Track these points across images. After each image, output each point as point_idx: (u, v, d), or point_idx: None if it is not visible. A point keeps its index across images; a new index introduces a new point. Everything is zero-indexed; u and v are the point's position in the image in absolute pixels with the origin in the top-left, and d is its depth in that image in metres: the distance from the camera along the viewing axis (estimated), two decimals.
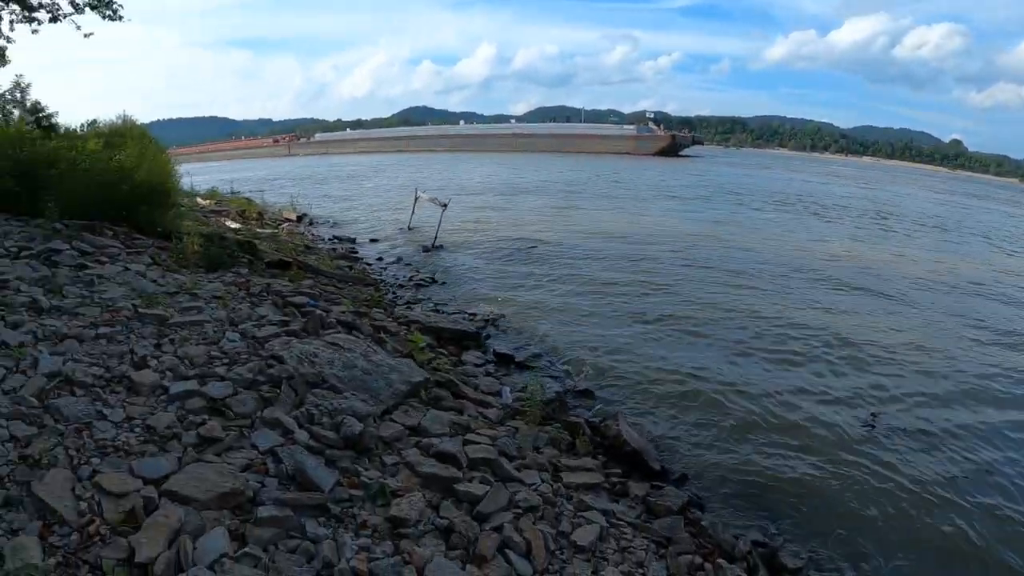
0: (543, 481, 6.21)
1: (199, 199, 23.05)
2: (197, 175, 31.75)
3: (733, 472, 7.31)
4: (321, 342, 7.47)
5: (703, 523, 6.14)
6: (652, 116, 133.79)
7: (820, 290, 15.50)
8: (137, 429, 5.57)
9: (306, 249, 16.05)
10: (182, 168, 16.67)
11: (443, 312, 12.52)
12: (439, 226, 19.47)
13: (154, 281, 9.13)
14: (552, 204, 30.35)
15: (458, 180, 42.96)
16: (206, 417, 5.83)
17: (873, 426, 8.59)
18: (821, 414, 8.78)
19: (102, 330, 7.08)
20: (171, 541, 4.11)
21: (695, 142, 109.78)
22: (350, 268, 15.15)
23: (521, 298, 13.89)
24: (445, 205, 19.68)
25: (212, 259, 11.24)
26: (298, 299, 9.41)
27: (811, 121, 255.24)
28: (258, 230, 17.16)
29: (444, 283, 15.08)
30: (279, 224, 20.80)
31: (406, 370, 7.66)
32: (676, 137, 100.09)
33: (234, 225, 17.35)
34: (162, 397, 6.11)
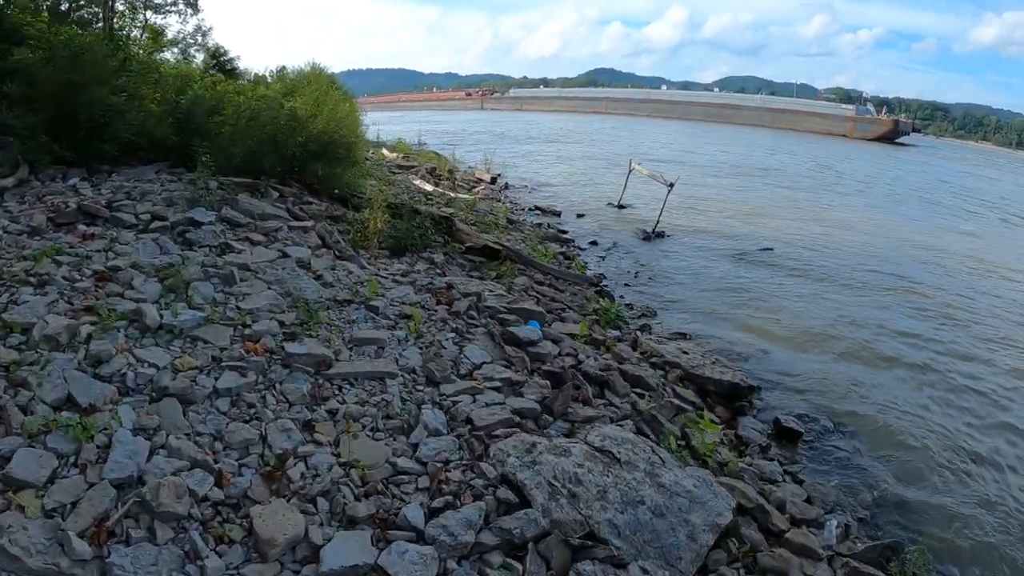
0: None
1: (385, 151, 21.13)
2: (385, 124, 30.63)
3: None
4: (584, 448, 4.26)
5: None
6: (868, 97, 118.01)
7: None
8: None
9: (508, 223, 13.17)
10: (370, 117, 14.64)
11: (694, 339, 9.04)
12: (662, 210, 15.84)
13: (318, 277, 6.48)
14: (778, 192, 25.12)
15: (662, 150, 38.28)
16: None
17: None
18: None
19: (223, 381, 4.39)
20: None
21: (914, 129, 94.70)
22: (565, 256, 12.09)
23: (777, 324, 10.19)
24: (672, 185, 15.93)
25: (399, 240, 8.82)
26: (523, 331, 6.18)
27: (1020, 114, 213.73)
28: (451, 195, 14.51)
29: (675, 285, 11.88)
30: (472, 187, 18.22)
31: (709, 499, 4.38)
32: (899, 123, 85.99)
33: (427, 187, 14.91)
34: (306, 572, 3.21)
